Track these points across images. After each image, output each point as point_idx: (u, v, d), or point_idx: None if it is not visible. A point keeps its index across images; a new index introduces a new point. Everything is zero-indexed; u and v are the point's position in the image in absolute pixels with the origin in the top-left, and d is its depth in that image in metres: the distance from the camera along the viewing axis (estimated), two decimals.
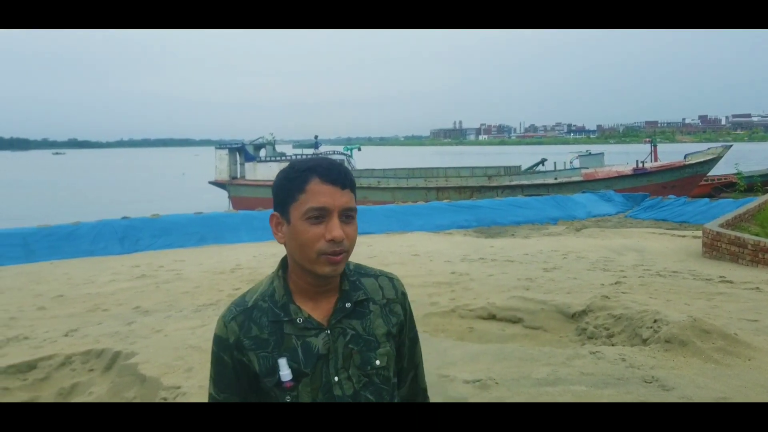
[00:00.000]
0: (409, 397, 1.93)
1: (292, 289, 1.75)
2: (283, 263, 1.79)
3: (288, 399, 1.67)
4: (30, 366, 6.39)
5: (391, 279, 1.88)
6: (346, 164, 34.75)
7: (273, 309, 1.72)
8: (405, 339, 1.87)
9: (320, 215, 1.64)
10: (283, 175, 1.72)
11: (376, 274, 1.86)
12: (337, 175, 1.67)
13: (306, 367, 1.67)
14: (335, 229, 1.63)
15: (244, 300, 1.78)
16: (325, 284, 1.73)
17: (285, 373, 1.66)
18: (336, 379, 1.69)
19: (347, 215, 1.67)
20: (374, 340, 1.75)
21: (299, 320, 1.70)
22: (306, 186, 1.65)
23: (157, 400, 5.32)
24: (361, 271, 1.85)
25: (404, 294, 1.88)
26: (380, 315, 1.78)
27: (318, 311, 1.73)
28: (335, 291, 1.76)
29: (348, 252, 1.68)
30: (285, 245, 1.74)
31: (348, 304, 1.75)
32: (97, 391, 5.95)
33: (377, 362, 1.73)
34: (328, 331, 1.71)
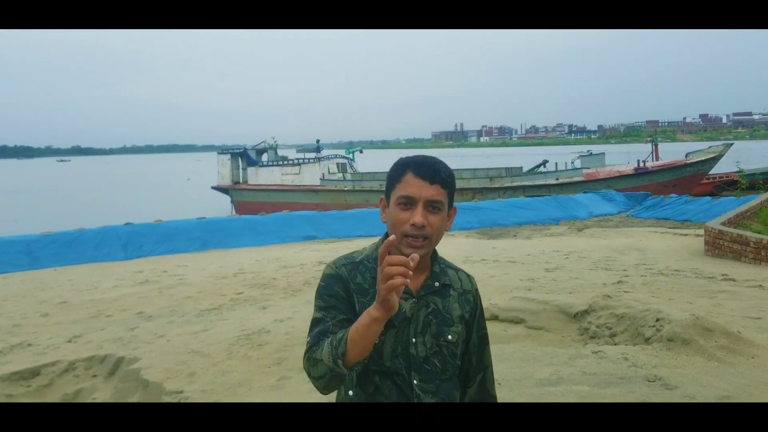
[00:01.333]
0: (477, 399, 2.15)
1: None
2: (386, 235, 2.02)
3: (377, 342, 1.83)
4: (33, 373, 6.41)
5: (469, 276, 2.18)
6: (348, 167, 34.86)
7: (375, 268, 1.98)
8: (474, 333, 2.12)
9: (408, 202, 1.93)
10: (391, 167, 2.03)
11: (457, 269, 2.16)
12: (427, 170, 1.94)
13: (395, 319, 1.88)
14: (417, 215, 1.90)
15: (352, 256, 2.09)
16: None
17: None
18: (414, 340, 1.97)
19: (433, 206, 1.93)
20: (450, 318, 2.03)
21: None
22: (402, 177, 1.96)
23: None
24: (447, 264, 2.14)
25: (477, 291, 2.16)
26: (457, 300, 2.07)
27: (410, 283, 1.84)
28: (426, 270, 2.04)
29: (430, 239, 1.94)
30: (386, 224, 2.02)
31: (436, 284, 2.04)
32: (101, 396, 5.97)
33: (449, 336, 2.01)
34: (416, 300, 1.99)
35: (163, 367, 6.02)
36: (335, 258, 2.08)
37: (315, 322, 1.96)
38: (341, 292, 1.98)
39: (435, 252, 2.08)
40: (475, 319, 2.11)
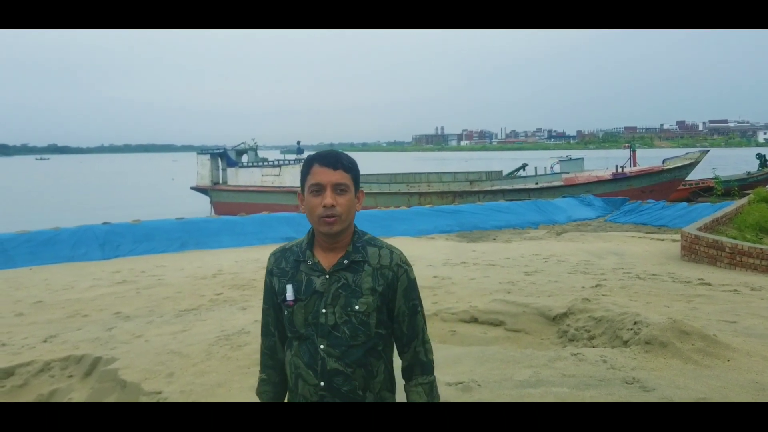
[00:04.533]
0: (411, 363, 2.40)
1: (315, 243, 2.38)
2: (312, 228, 2.38)
3: (286, 313, 2.33)
4: (8, 373, 6.31)
5: (392, 252, 2.39)
6: None
7: (298, 252, 2.39)
8: (398, 303, 2.36)
9: (318, 189, 2.27)
10: (302, 165, 2.36)
11: (382, 246, 2.39)
12: (330, 159, 2.29)
13: (303, 295, 2.30)
14: (327, 198, 2.25)
15: (286, 244, 2.47)
16: (332, 241, 2.32)
17: (289, 294, 2.32)
18: (323, 310, 2.28)
19: (340, 189, 2.27)
20: (359, 290, 2.29)
21: (309, 262, 2.33)
22: (311, 169, 2.31)
23: None
24: (372, 242, 2.40)
25: (399, 265, 2.37)
26: (371, 274, 2.32)
27: (326, 261, 2.34)
28: (343, 249, 2.34)
29: (340, 216, 2.26)
30: (304, 213, 2.34)
31: (345, 261, 2.32)
32: (77, 397, 5.89)
33: (356, 307, 2.27)
34: (327, 276, 2.31)
35: (141, 368, 5.95)
36: (275, 247, 2.51)
37: (262, 313, 2.49)
38: (268, 283, 2.43)
39: (356, 233, 2.39)
40: (395, 291, 2.34)
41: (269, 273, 2.42)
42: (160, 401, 5.22)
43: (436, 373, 2.41)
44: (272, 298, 2.41)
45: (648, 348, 5.95)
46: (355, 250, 2.34)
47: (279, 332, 2.43)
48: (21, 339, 7.33)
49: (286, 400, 2.44)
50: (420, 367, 2.39)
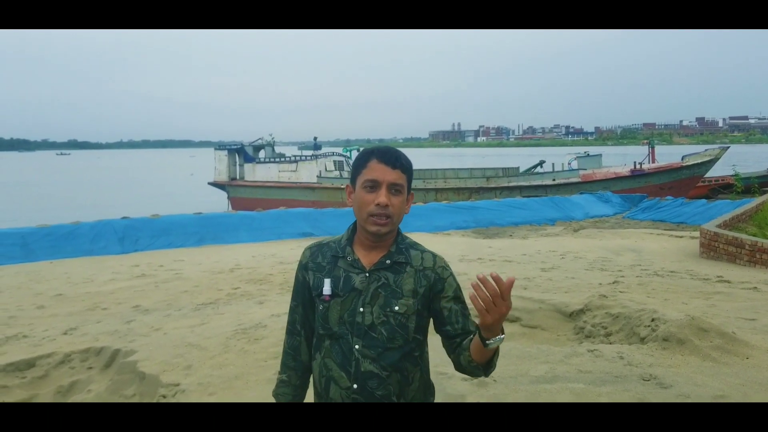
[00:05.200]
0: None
1: (355, 239, 2.31)
2: (354, 224, 2.32)
3: (321, 308, 2.23)
4: (29, 364, 6.39)
5: (434, 256, 2.32)
6: (345, 165, 34.80)
7: (336, 248, 2.31)
8: (450, 305, 2.25)
9: (373, 185, 2.18)
10: (356, 157, 2.27)
11: (424, 250, 2.33)
12: (390, 157, 2.20)
13: (342, 291, 2.22)
14: (381, 196, 2.16)
15: (323, 239, 2.39)
16: (377, 240, 2.24)
17: (326, 288, 2.23)
18: (361, 309, 2.19)
19: (395, 189, 2.19)
20: (400, 291, 2.21)
21: (349, 258, 2.26)
22: (367, 164, 2.21)
23: (156, 398, 5.33)
24: (414, 246, 2.33)
25: (443, 267, 2.29)
26: (412, 276, 2.24)
27: (367, 259, 2.26)
28: (386, 249, 2.27)
29: (392, 218, 2.19)
30: (352, 207, 2.28)
31: (388, 261, 2.25)
32: (96, 388, 5.96)
33: (396, 308, 2.19)
34: (367, 274, 2.23)
35: (160, 360, 6.01)
36: (310, 242, 2.43)
37: (290, 310, 2.41)
38: (300, 278, 2.35)
39: (399, 234, 2.32)
40: (440, 292, 2.25)
41: (303, 267, 2.33)
42: (178, 393, 5.27)
43: (452, 368, 2.32)
44: (303, 294, 2.33)
45: (665, 345, 5.92)
46: (398, 251, 2.27)
47: (306, 331, 2.34)
48: (42, 331, 7.42)
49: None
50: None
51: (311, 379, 2.32)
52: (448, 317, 2.24)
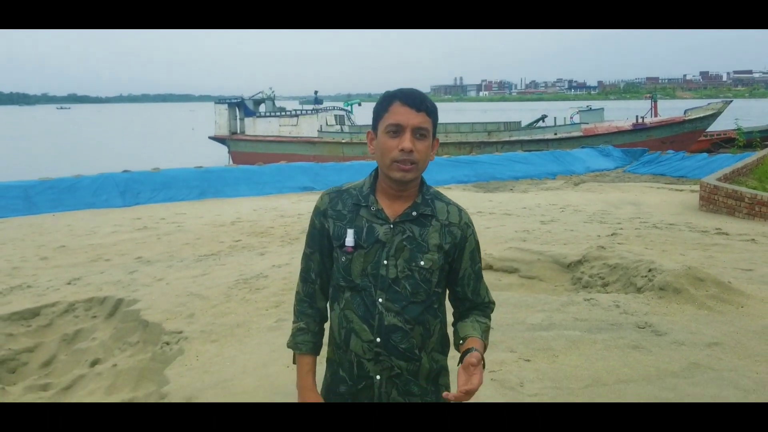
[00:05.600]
0: (469, 316, 2.24)
1: (377, 188, 2.18)
2: (376, 170, 2.20)
3: (343, 259, 2.13)
4: (33, 313, 6.49)
5: (460, 209, 2.23)
6: (346, 120, 34.59)
7: (358, 196, 2.18)
8: (465, 265, 2.20)
9: (397, 130, 2.06)
10: (378, 101, 2.15)
11: (449, 203, 2.22)
12: (414, 99, 2.06)
13: (365, 242, 2.12)
14: (406, 141, 2.04)
15: (342, 186, 2.26)
16: (401, 189, 2.13)
17: (349, 239, 2.12)
18: (385, 262, 2.10)
19: (420, 133, 2.06)
20: (425, 245, 2.12)
21: (372, 208, 2.14)
22: (390, 107, 2.08)
23: (159, 345, 5.43)
24: (439, 196, 2.23)
25: (467, 224, 2.21)
26: (438, 230, 2.15)
27: (390, 210, 2.15)
28: (410, 199, 2.16)
29: (417, 164, 2.07)
30: (374, 155, 2.15)
31: (414, 213, 2.14)
32: (101, 336, 6.06)
33: (422, 262, 2.11)
34: (391, 226, 2.12)
35: (163, 309, 6.10)
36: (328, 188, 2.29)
37: (303, 258, 2.30)
38: (318, 224, 2.22)
39: (424, 183, 2.20)
40: (462, 251, 2.19)
41: (322, 214, 2.21)
42: (181, 340, 5.36)
43: (450, 317, 2.34)
44: (321, 241, 2.22)
45: (662, 294, 6.00)
46: (424, 202, 2.16)
47: (321, 280, 2.25)
48: (46, 281, 7.51)
49: (327, 357, 2.25)
50: (478, 311, 2.25)
51: (329, 332, 2.23)
52: (462, 278, 2.21)
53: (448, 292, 2.26)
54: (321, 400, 2.16)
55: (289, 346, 2.27)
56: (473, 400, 1.92)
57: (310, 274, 2.26)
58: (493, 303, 2.30)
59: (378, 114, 2.12)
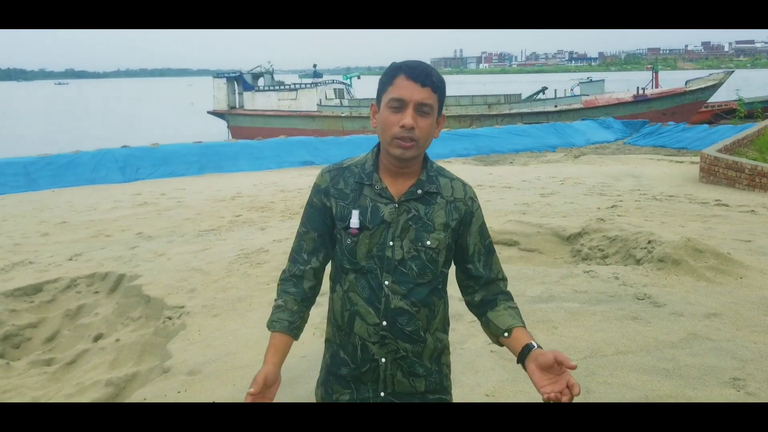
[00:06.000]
0: (490, 297, 2.14)
1: (380, 165, 2.09)
2: (378, 145, 2.11)
3: (348, 242, 2.04)
4: (36, 289, 6.53)
5: (464, 184, 2.14)
6: (346, 93, 34.42)
7: (361, 174, 2.08)
8: (474, 241, 2.12)
9: (399, 105, 1.96)
10: (383, 72, 2.05)
11: (453, 178, 2.14)
12: (419, 73, 1.96)
13: (370, 223, 2.03)
14: (407, 117, 1.94)
15: (342, 162, 2.16)
16: (403, 166, 2.04)
17: (354, 221, 2.03)
18: (391, 243, 2.02)
19: (423, 110, 1.96)
20: (431, 224, 2.05)
21: (377, 187, 2.05)
22: (394, 80, 1.98)
23: (161, 320, 5.47)
24: (442, 172, 2.14)
25: (472, 199, 2.13)
26: (444, 208, 2.07)
27: (394, 188, 2.06)
28: (414, 176, 2.07)
29: (417, 142, 1.97)
30: (376, 129, 2.06)
31: (419, 191, 2.05)
32: (103, 312, 6.11)
33: (428, 242, 2.03)
34: (396, 205, 2.04)
35: (164, 284, 6.14)
36: (327, 165, 2.19)
37: (296, 236, 2.18)
38: (318, 203, 2.11)
39: (427, 159, 2.11)
40: (468, 226, 2.11)
41: (323, 192, 2.10)
42: (183, 315, 5.40)
43: (449, 289, 2.23)
44: (321, 221, 2.11)
45: (661, 265, 6.02)
46: (429, 179, 2.08)
47: (316, 261, 2.13)
48: (47, 257, 7.54)
49: (325, 337, 2.17)
50: (504, 296, 2.14)
51: (329, 313, 2.15)
52: (472, 255, 2.12)
53: (459, 273, 2.17)
54: (271, 377, 1.95)
55: (267, 326, 2.12)
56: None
57: (302, 254, 2.14)
58: (506, 280, 2.19)
59: (382, 86, 2.03)
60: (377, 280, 2.01)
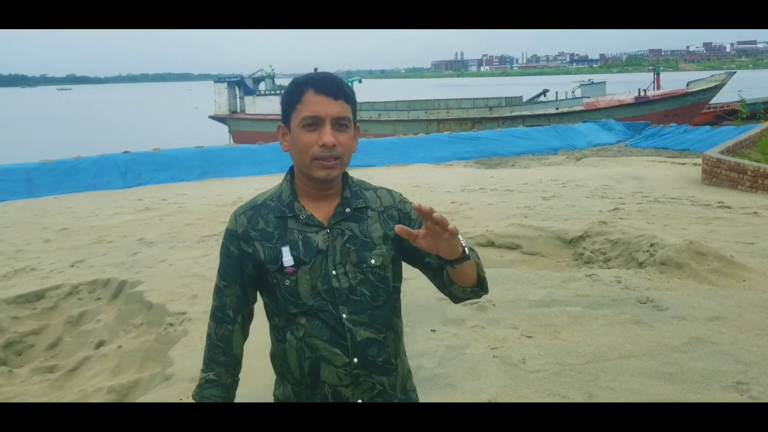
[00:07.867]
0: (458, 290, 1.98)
1: (298, 192, 1.93)
2: (291, 170, 1.97)
3: (287, 283, 1.86)
4: (38, 296, 6.53)
5: (389, 191, 2.02)
6: None
7: (279, 207, 1.91)
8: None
9: (314, 123, 1.81)
10: (286, 90, 1.90)
11: (375, 188, 2.02)
12: (330, 86, 1.82)
13: (305, 256, 1.86)
14: (326, 135, 1.80)
15: (254, 200, 1.97)
16: (325, 188, 1.90)
17: (287, 258, 1.85)
18: (334, 272, 1.86)
19: (340, 124, 1.83)
20: (370, 241, 1.91)
21: (302, 216, 1.89)
22: (302, 97, 1.83)
23: (163, 326, 5.47)
24: (363, 185, 2.01)
25: (403, 201, 2.00)
26: (378, 220, 1.94)
27: (319, 212, 1.91)
28: (337, 196, 1.93)
29: (341, 158, 1.84)
30: (290, 153, 1.91)
31: (348, 209, 1.92)
32: (105, 318, 6.11)
33: (372, 261, 1.89)
34: (328, 230, 1.88)
35: (166, 290, 6.14)
36: (238, 206, 1.99)
37: (216, 292, 1.97)
38: (236, 251, 1.92)
39: (346, 175, 1.97)
40: (408, 226, 1.88)
41: (241, 238, 1.91)
42: (185, 321, 5.40)
43: (440, 294, 2.11)
44: (239, 271, 1.92)
45: (663, 269, 6.01)
46: (354, 195, 1.95)
47: (243, 317, 1.96)
48: (49, 264, 7.54)
49: (278, 400, 1.99)
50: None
51: (278, 370, 1.98)
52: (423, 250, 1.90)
53: (426, 273, 2.02)
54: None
55: (194, 398, 1.94)
56: None
57: (227, 312, 1.94)
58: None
59: (289, 105, 1.87)
60: (334, 315, 1.85)
